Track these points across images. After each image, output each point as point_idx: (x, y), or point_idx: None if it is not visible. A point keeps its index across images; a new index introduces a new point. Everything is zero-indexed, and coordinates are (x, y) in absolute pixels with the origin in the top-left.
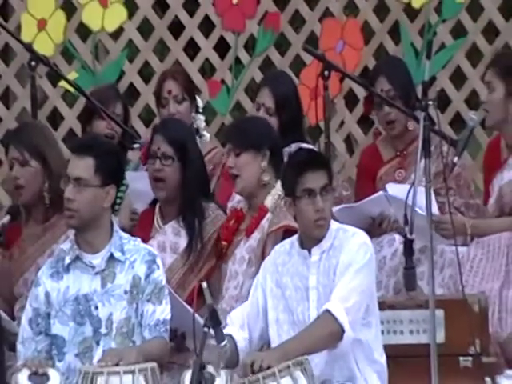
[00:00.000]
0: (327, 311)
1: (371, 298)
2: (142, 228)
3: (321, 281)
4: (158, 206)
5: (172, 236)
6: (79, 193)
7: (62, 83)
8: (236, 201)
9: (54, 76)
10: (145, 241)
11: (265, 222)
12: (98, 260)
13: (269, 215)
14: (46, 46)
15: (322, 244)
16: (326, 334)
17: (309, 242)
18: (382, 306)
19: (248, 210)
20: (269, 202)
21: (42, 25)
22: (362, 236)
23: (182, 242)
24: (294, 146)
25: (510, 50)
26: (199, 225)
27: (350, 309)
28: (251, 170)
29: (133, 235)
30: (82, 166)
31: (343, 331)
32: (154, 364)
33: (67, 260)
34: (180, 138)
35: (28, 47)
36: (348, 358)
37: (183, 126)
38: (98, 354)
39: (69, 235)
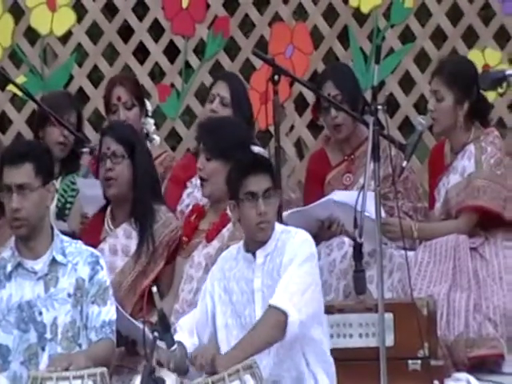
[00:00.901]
0: (270, 306)
1: (318, 292)
2: (91, 232)
3: (265, 282)
4: (109, 209)
5: (123, 239)
6: (25, 199)
7: (11, 87)
8: (185, 204)
9: (2, 80)
10: (94, 244)
11: (225, 231)
12: (39, 265)
13: (230, 225)
14: None
15: (266, 247)
16: (271, 325)
17: (253, 246)
18: (331, 309)
19: (209, 209)
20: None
21: None
22: (303, 234)
23: (134, 244)
24: None
25: (457, 54)
26: (150, 227)
27: (292, 294)
28: (220, 178)
29: (81, 239)
30: (23, 173)
31: (287, 316)
32: (104, 369)
33: (9, 268)
34: (128, 138)
35: None
36: (297, 357)
37: (130, 127)
38: (43, 360)
39: (10, 242)
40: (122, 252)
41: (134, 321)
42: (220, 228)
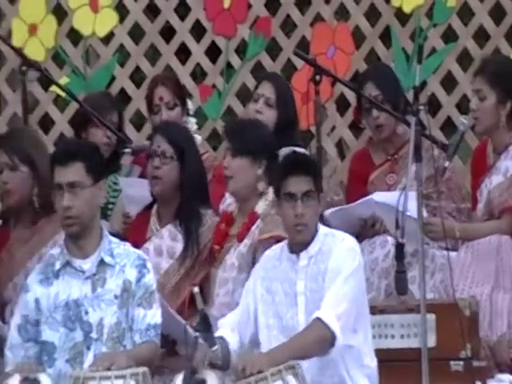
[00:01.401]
0: (318, 319)
1: (361, 304)
2: (136, 230)
3: (308, 286)
4: (155, 208)
5: (169, 240)
6: (76, 197)
7: (53, 88)
8: (227, 203)
9: (45, 81)
10: (139, 243)
11: (255, 229)
12: (88, 265)
13: (259, 222)
14: (37, 51)
15: (310, 249)
16: (318, 340)
17: (296, 247)
18: (373, 310)
19: (238, 213)
20: (260, 208)
21: (33, 30)
22: (350, 241)
23: (179, 246)
24: (286, 150)
25: (500, 54)
26: (196, 230)
27: (340, 315)
28: (245, 176)
29: (126, 238)
30: (74, 171)
31: (335, 338)
32: (146, 369)
33: (57, 265)
34: (180, 140)
35: (19, 52)
36: (338, 363)
37: (183, 128)
38: (88, 359)
39: (57, 239)
40: (167, 253)
41: (176, 315)
42: (249, 226)
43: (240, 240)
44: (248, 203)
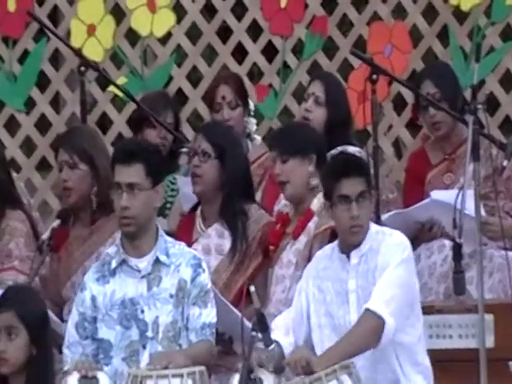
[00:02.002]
0: (367, 309)
1: (413, 295)
2: (182, 232)
3: (360, 284)
4: (199, 210)
5: (216, 238)
6: (134, 198)
7: (111, 88)
8: (282, 204)
9: (103, 81)
10: (187, 244)
11: (311, 225)
12: (144, 264)
13: (315, 218)
14: (95, 51)
15: (361, 247)
16: (369, 331)
17: (347, 247)
18: (431, 310)
19: (294, 214)
20: (315, 205)
21: (91, 30)
22: (398, 236)
23: (227, 243)
24: (339, 149)
25: None
26: (242, 225)
27: (388, 301)
28: (299, 176)
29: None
30: (133, 172)
31: (384, 323)
32: (203, 368)
33: (113, 264)
34: (220, 138)
35: (77, 52)
36: (391, 359)
37: (226, 128)
38: (144, 357)
39: (115, 238)
40: (215, 251)
41: (233, 308)
42: (305, 223)
43: (295, 236)
44: (303, 204)
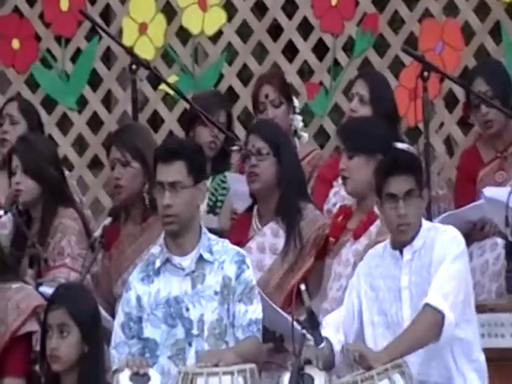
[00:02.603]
0: (426, 304)
1: (469, 290)
2: (238, 231)
3: (413, 280)
4: (255, 209)
5: (271, 237)
6: (177, 196)
7: (163, 86)
8: (331, 203)
9: (155, 79)
10: (242, 242)
11: (373, 228)
12: (187, 262)
13: (377, 222)
14: (146, 50)
15: (414, 244)
16: (429, 325)
17: (399, 243)
18: (483, 308)
19: (356, 209)
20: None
21: (142, 29)
22: (452, 231)
23: (281, 242)
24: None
25: None
26: (297, 224)
27: (447, 295)
28: (363, 174)
29: (230, 236)
30: (175, 171)
31: (444, 317)
32: (253, 365)
33: (157, 263)
34: (274, 136)
35: (129, 51)
36: (445, 356)
37: (276, 125)
38: (190, 355)
39: None
40: (269, 250)
41: (282, 312)
42: (367, 225)
43: (356, 237)
44: (366, 201)
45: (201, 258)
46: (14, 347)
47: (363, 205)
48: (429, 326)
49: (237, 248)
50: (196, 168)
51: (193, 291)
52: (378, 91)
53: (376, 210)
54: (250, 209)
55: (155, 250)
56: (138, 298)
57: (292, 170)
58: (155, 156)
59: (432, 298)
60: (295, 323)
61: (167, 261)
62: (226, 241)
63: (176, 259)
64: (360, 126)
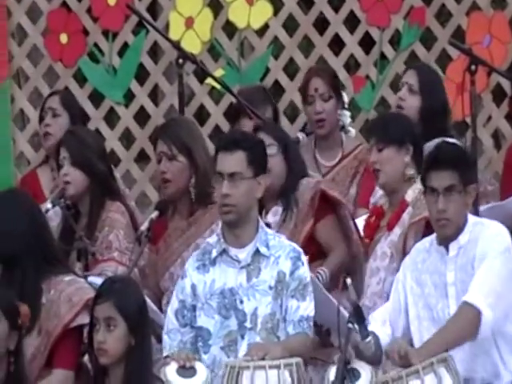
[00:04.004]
0: (464, 302)
1: (511, 288)
2: None
3: (459, 276)
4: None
5: (271, 217)
6: (235, 187)
7: (209, 80)
8: (378, 196)
9: (201, 73)
10: None
11: (405, 216)
12: (243, 254)
13: (409, 209)
14: (193, 44)
15: (459, 239)
16: (466, 322)
17: (445, 238)
18: None
19: (389, 207)
20: (409, 196)
21: (189, 23)
22: (497, 227)
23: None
24: (436, 141)
25: None
26: (294, 199)
27: (487, 293)
28: (394, 165)
29: None
30: (235, 161)
31: (481, 315)
32: (299, 359)
33: (214, 253)
34: (282, 134)
35: (176, 45)
36: (491, 351)
37: (277, 125)
38: (242, 347)
39: (213, 229)
40: (274, 226)
41: (330, 296)
42: (400, 214)
43: (390, 228)
44: (398, 194)
45: (257, 252)
46: (66, 339)
47: (395, 200)
48: (466, 325)
49: (293, 244)
50: (256, 160)
51: (248, 284)
52: (428, 83)
53: (407, 198)
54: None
55: (212, 239)
56: (193, 287)
57: (297, 163)
58: (217, 146)
59: (471, 295)
60: (342, 309)
61: (224, 251)
62: (283, 236)
63: (232, 251)
64: (387, 118)
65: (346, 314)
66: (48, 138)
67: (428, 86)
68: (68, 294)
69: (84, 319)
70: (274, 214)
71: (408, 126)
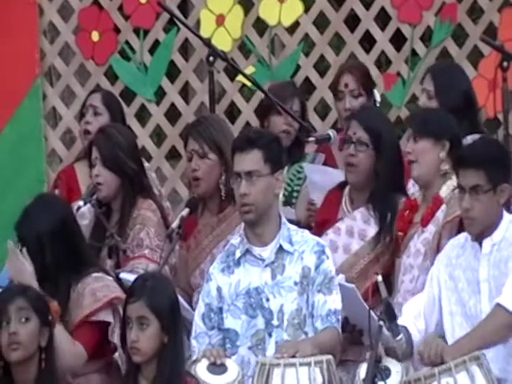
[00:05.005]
0: (497, 304)
1: None
2: (327, 208)
3: (491, 273)
4: (347, 190)
5: (361, 223)
6: (253, 185)
7: (240, 78)
8: (410, 193)
9: (232, 71)
10: (331, 220)
11: (439, 214)
12: (267, 252)
13: (444, 207)
14: (224, 41)
15: (493, 236)
16: (499, 326)
17: (478, 235)
18: None
19: (422, 201)
20: (444, 192)
21: (220, 20)
22: None
23: (370, 230)
24: (469, 138)
25: None
26: (391, 216)
27: None
28: (429, 158)
29: (309, 226)
30: (251, 160)
31: None
32: (330, 357)
33: (237, 254)
34: (376, 127)
35: (207, 43)
36: None
37: (381, 115)
38: (270, 346)
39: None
40: (358, 235)
41: (363, 301)
42: (434, 211)
43: (424, 224)
44: (431, 189)
45: (280, 249)
46: (83, 331)
47: (429, 195)
48: (499, 327)
49: (316, 238)
50: (273, 157)
51: (273, 282)
52: (443, 85)
53: (442, 194)
54: (340, 185)
55: (235, 240)
56: (219, 289)
57: (390, 162)
58: (233, 147)
59: (504, 298)
60: (372, 313)
61: (247, 251)
62: (306, 231)
63: (256, 250)
64: (428, 111)
65: (376, 319)
66: (87, 136)
67: (443, 89)
68: (93, 288)
69: (107, 316)
70: (365, 221)
71: (447, 121)
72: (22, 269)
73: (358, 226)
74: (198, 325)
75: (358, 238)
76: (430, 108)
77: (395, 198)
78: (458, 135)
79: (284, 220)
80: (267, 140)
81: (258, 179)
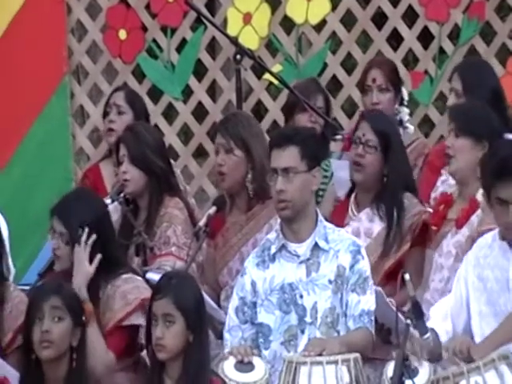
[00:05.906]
0: None
1: None
2: (336, 217)
3: None
4: (353, 195)
5: (367, 222)
6: (290, 182)
7: (267, 76)
8: (439, 191)
9: (259, 69)
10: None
11: (474, 218)
12: (302, 249)
13: (479, 212)
14: (251, 40)
15: None
16: None
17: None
18: None
19: (458, 197)
20: (480, 196)
21: (247, 19)
22: None
23: (376, 227)
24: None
25: None
26: (398, 215)
27: None
28: (467, 157)
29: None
30: (288, 156)
31: None
32: (357, 355)
33: (273, 249)
34: (385, 129)
35: (234, 41)
36: None
37: (389, 118)
38: (302, 342)
39: (272, 224)
40: (364, 234)
41: (390, 304)
42: (470, 214)
43: (459, 226)
44: (468, 188)
45: (316, 246)
46: (115, 335)
47: (465, 192)
48: None
49: (353, 237)
50: (310, 153)
51: (307, 279)
52: (470, 83)
53: (478, 197)
54: (348, 195)
55: (271, 235)
56: (253, 283)
57: (399, 166)
58: (270, 143)
59: None
60: (399, 314)
61: (283, 247)
62: (342, 230)
63: (291, 246)
64: (472, 108)
65: (403, 319)
66: (111, 134)
67: (470, 87)
68: (124, 290)
69: (138, 319)
70: (370, 220)
71: (490, 121)
72: (78, 269)
73: (363, 226)
74: (231, 318)
75: (365, 236)
76: (474, 104)
77: (401, 194)
78: (498, 135)
79: (321, 217)
80: (304, 136)
81: (295, 176)
